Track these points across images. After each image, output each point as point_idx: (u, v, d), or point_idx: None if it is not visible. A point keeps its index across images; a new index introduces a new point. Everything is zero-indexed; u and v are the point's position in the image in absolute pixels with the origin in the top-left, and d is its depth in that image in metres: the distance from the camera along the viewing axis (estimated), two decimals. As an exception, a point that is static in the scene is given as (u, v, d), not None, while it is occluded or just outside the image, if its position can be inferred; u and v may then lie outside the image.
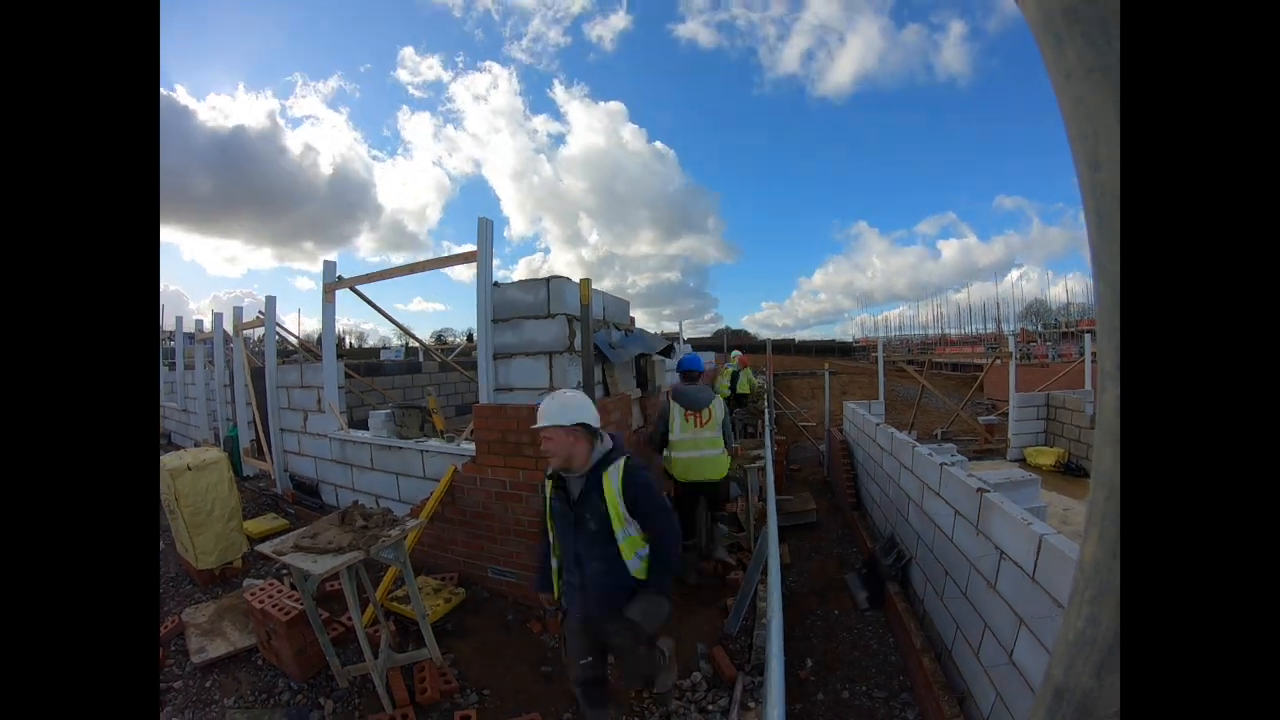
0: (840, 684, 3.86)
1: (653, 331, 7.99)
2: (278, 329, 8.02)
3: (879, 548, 5.36)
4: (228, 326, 9.12)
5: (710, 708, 3.50)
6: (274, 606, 3.61)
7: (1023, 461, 9.77)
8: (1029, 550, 2.74)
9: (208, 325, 10.55)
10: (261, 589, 3.87)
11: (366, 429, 6.04)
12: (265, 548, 3.25)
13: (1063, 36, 0.44)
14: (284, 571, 4.56)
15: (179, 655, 3.84)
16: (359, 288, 6.26)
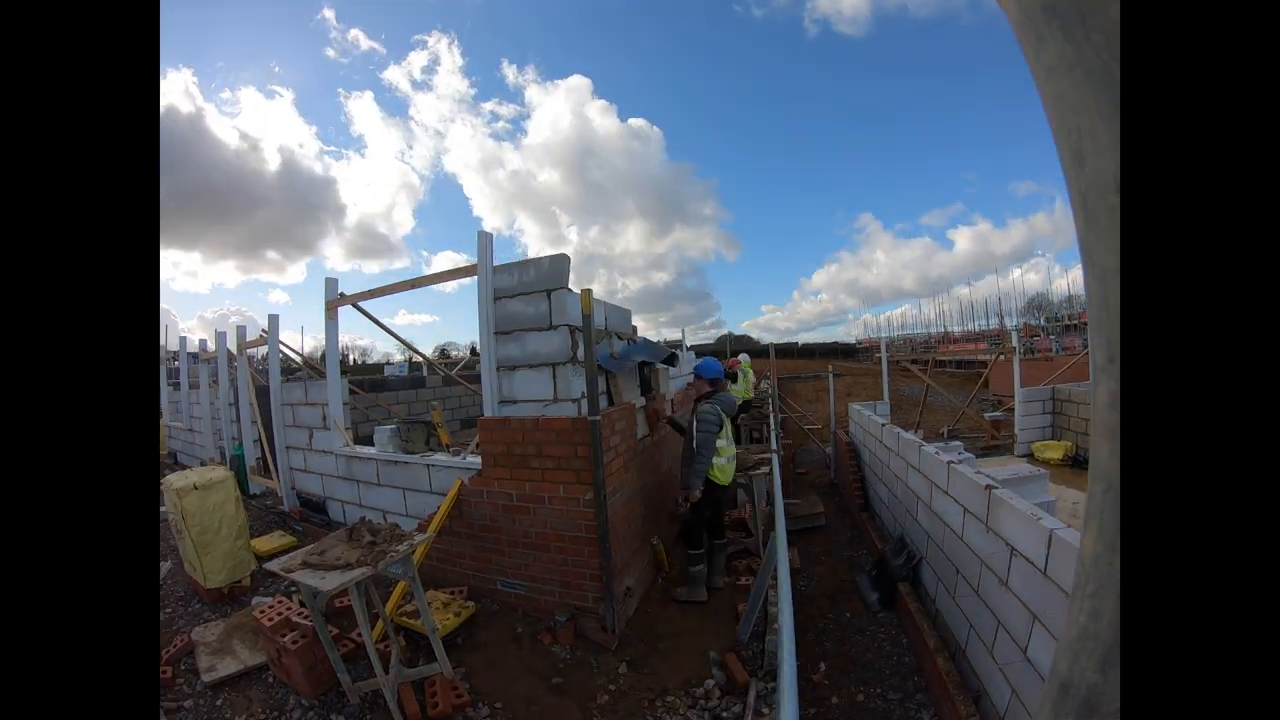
0: (854, 687, 3.85)
1: (655, 340, 7.97)
2: (281, 347, 8.04)
3: (889, 548, 5.34)
4: (231, 345, 9.16)
5: (724, 715, 3.49)
6: (283, 628, 3.62)
7: (1030, 456, 9.72)
8: (1040, 546, 2.73)
9: (210, 345, 10.59)
10: (271, 607, 3.87)
11: (372, 445, 6.04)
12: (274, 565, 3.25)
13: (1043, 33, 0.44)
14: (293, 589, 4.56)
15: (189, 674, 3.83)
16: (361, 304, 6.29)
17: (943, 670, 3.50)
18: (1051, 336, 31.40)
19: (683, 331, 25.04)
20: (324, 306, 6.28)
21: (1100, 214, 0.44)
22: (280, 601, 3.96)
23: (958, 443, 8.95)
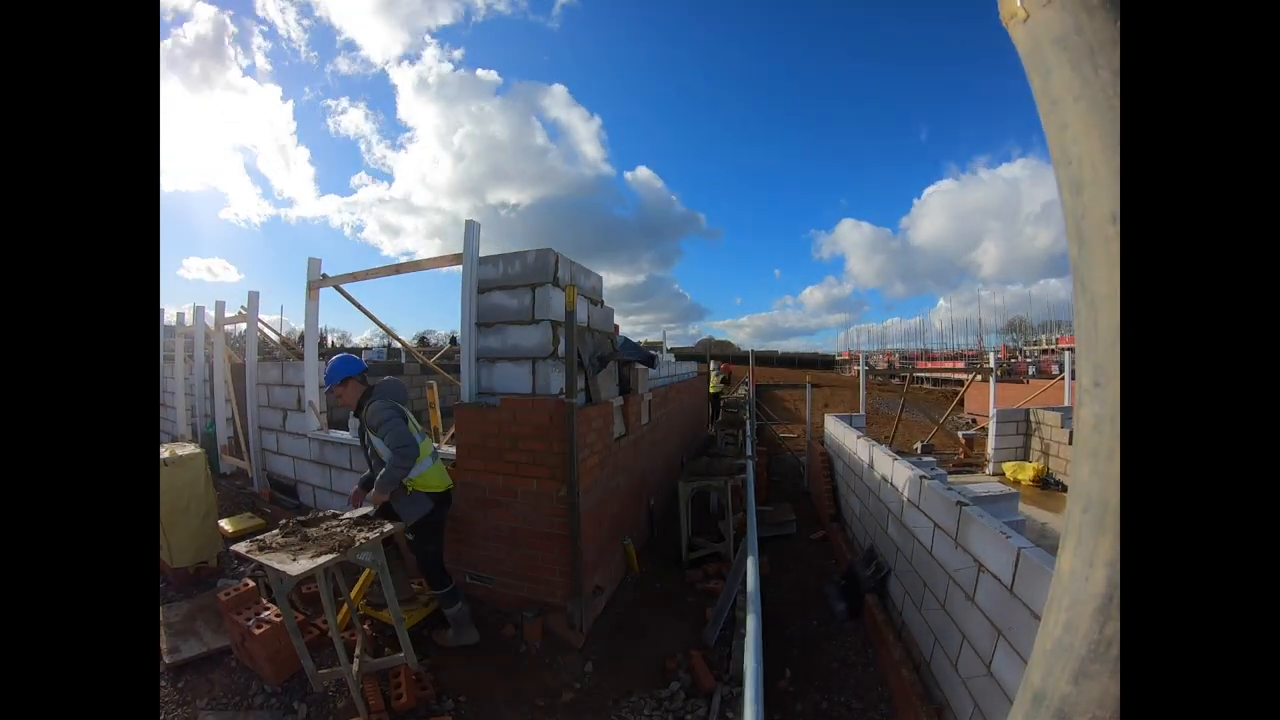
0: (819, 695, 3.88)
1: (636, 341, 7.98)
2: (259, 325, 7.94)
3: (858, 559, 5.39)
4: (209, 321, 9.02)
5: (688, 718, 3.50)
6: (247, 611, 3.58)
7: (1002, 476, 9.88)
8: (1008, 563, 2.77)
9: (188, 319, 10.42)
10: (236, 589, 3.82)
11: (346, 430, 5.98)
12: (241, 547, 3.20)
13: (1051, 64, 0.46)
14: (259, 572, 4.49)
15: (149, 656, 3.77)
16: (343, 286, 6.23)
17: (907, 682, 3.54)
18: (1029, 360, 31.89)
19: (664, 333, 25.11)
20: (305, 286, 6.21)
21: (1096, 243, 0.45)
22: (246, 584, 3.90)
23: (931, 459, 9.07)
